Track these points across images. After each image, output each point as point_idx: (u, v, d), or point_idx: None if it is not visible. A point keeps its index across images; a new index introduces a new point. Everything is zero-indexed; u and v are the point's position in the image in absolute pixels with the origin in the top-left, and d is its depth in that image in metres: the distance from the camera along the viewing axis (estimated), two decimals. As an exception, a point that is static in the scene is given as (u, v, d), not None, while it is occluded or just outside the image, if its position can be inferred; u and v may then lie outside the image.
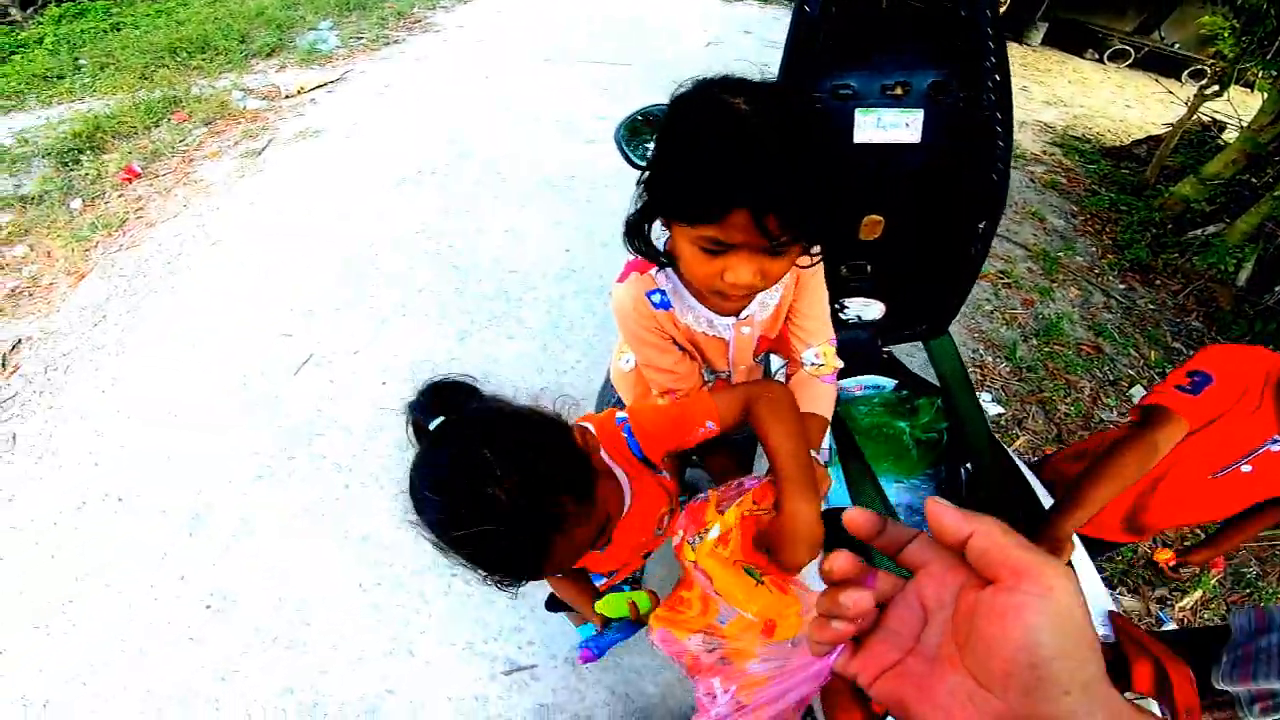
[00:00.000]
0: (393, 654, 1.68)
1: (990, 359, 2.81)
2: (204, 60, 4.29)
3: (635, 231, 0.88)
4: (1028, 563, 0.31)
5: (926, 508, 0.35)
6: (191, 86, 3.93)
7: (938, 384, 1.39)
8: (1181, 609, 2.01)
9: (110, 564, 1.83)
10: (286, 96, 3.94)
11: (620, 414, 0.99)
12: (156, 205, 3.05)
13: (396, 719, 1.58)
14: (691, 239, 0.78)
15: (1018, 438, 2.47)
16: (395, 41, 4.76)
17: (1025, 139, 4.89)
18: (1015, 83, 5.14)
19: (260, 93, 3.97)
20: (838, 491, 1.30)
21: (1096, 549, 1.39)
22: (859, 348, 1.43)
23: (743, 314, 1.04)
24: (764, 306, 1.05)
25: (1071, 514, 1.08)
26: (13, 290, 2.64)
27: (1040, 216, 3.90)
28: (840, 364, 1.13)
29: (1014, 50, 6.24)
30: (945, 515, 0.34)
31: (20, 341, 2.44)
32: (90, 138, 3.39)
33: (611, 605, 1.04)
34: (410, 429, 0.78)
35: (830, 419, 1.10)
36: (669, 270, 0.98)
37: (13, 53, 4.50)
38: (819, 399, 1.10)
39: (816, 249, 0.90)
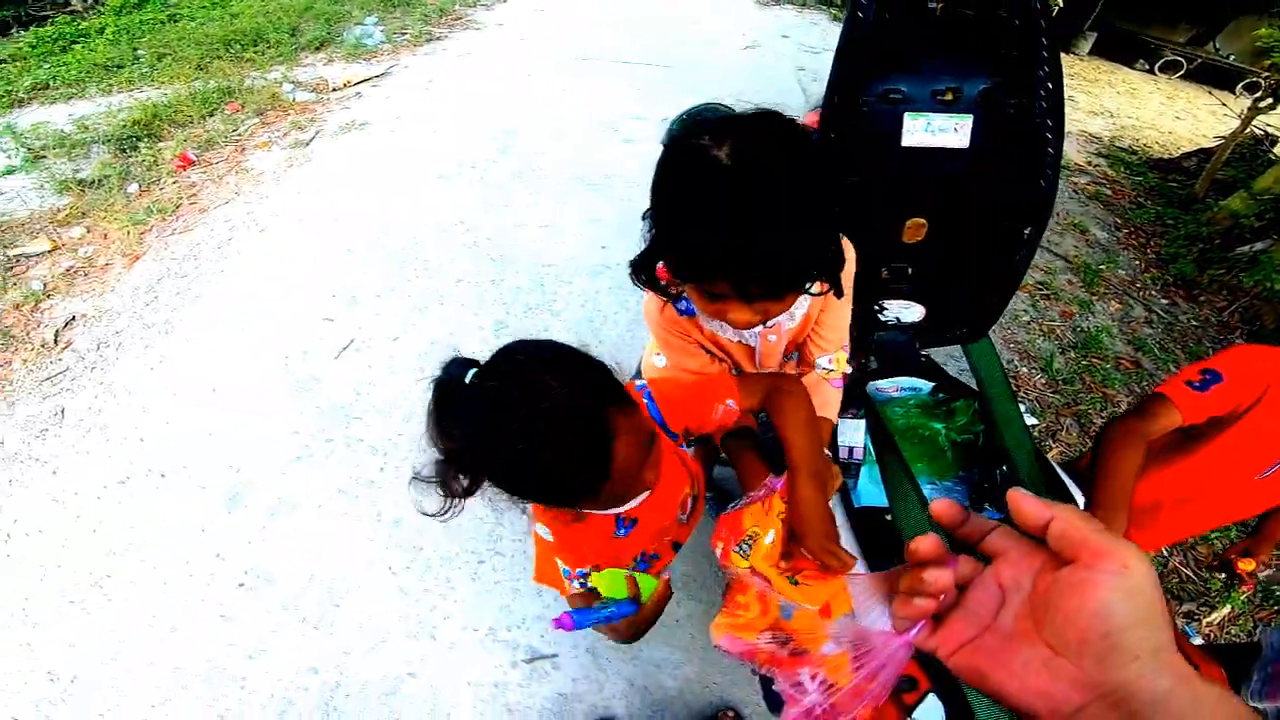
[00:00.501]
0: (416, 637, 1.72)
1: (1026, 370, 2.77)
2: (256, 53, 4.44)
3: (641, 269, 0.90)
4: (1106, 543, 0.34)
5: (1009, 497, 0.38)
6: (244, 78, 4.07)
7: (975, 388, 1.39)
8: (1209, 624, 1.97)
9: (149, 540, 1.89)
10: (333, 89, 4.05)
11: (640, 381, 1.02)
12: (209, 192, 3.17)
13: (416, 701, 1.61)
14: (693, 288, 0.81)
15: (1050, 449, 2.43)
16: (438, 38, 4.87)
17: (1070, 149, 4.79)
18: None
19: (309, 85, 4.09)
20: (872, 490, 1.31)
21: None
22: (897, 350, 1.43)
23: (770, 323, 1.04)
24: (791, 317, 1.07)
25: (1110, 519, 1.08)
26: (69, 269, 2.76)
27: (1083, 228, 3.83)
28: (849, 369, 1.16)
29: (1062, 61, 6.13)
30: (1027, 502, 0.37)
31: (74, 318, 2.56)
32: (148, 125, 3.53)
33: (608, 582, 0.96)
34: (433, 398, 0.78)
35: (834, 421, 1.14)
36: None
37: (74, 42, 4.71)
38: (827, 402, 1.14)
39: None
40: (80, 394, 2.27)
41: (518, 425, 0.67)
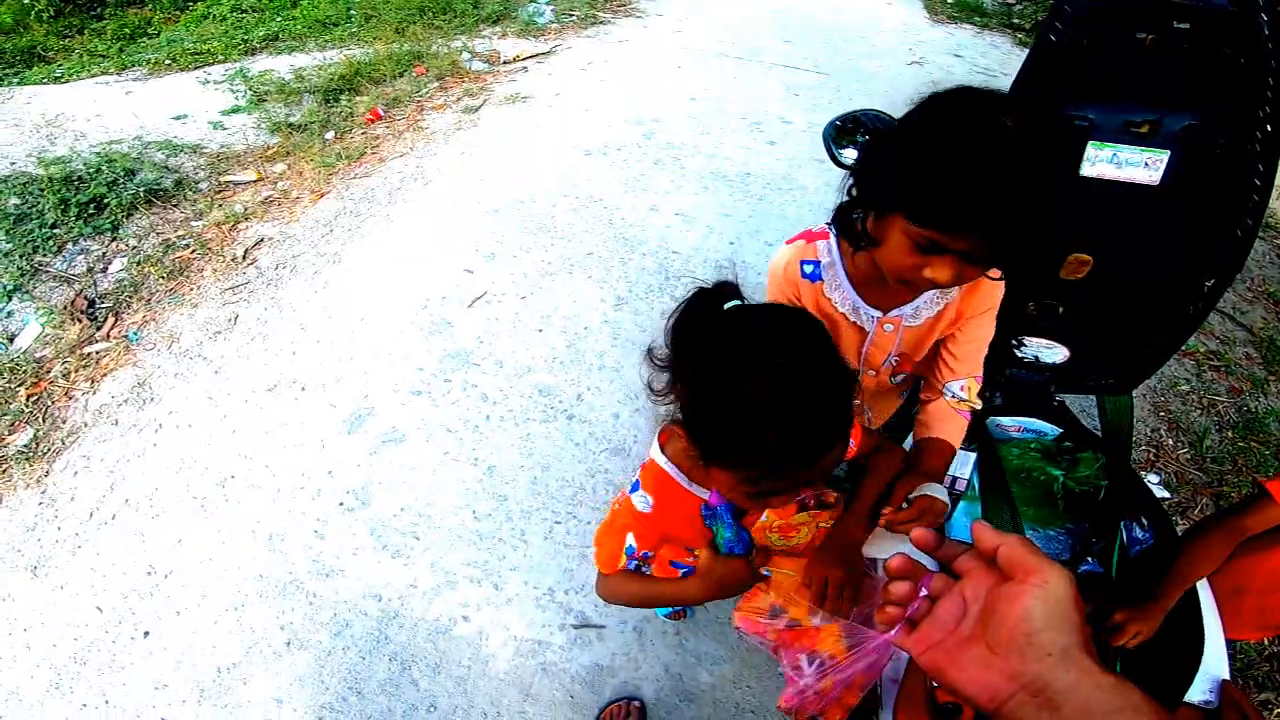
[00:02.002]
0: (479, 583, 1.81)
1: (1171, 441, 2.48)
2: (444, 21, 4.86)
3: (846, 213, 0.93)
4: (1035, 563, 0.43)
5: (972, 528, 0.47)
6: (432, 44, 4.48)
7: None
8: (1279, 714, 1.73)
9: (276, 448, 2.13)
10: (504, 62, 4.36)
11: None
12: (388, 144, 3.55)
13: (460, 644, 1.69)
14: (909, 233, 0.81)
15: (1177, 524, 2.18)
16: (602, 22, 5.06)
17: (1283, 207, 4.14)
18: None
19: (483, 56, 4.42)
20: (966, 525, 1.25)
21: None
22: (1029, 389, 1.35)
23: (892, 312, 1.04)
24: (916, 315, 1.05)
25: (1170, 592, 1.11)
26: (266, 198, 3.21)
27: (1278, 299, 3.31)
28: (979, 404, 1.12)
29: None
30: (984, 532, 0.46)
31: (262, 240, 2.97)
32: (350, 81, 3.99)
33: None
34: (681, 310, 0.82)
35: (958, 449, 1.10)
36: (833, 244, 1.03)
37: (301, -1, 5.38)
38: (952, 429, 1.10)
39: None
40: (254, 305, 2.63)
41: (798, 401, 0.69)
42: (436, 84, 4.09)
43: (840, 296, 1.06)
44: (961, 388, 1.10)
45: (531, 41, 4.69)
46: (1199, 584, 1.14)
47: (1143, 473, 2.33)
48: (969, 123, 0.76)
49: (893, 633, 0.48)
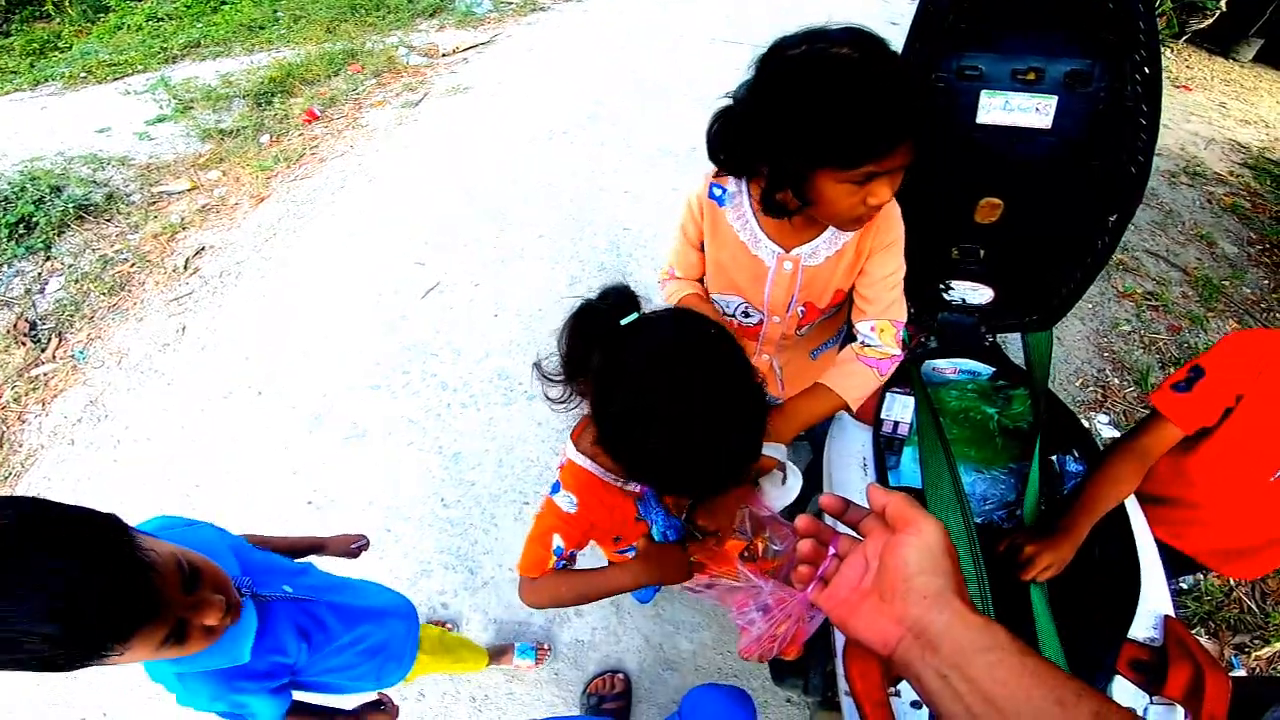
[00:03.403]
0: (454, 569, 1.83)
1: (1117, 381, 2.60)
2: (378, 17, 4.75)
3: (790, 189, 0.90)
4: (912, 515, 0.47)
5: (867, 490, 0.51)
6: (366, 41, 4.38)
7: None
8: (1258, 658, 1.84)
9: (238, 453, 2.11)
10: (443, 55, 4.29)
11: None
12: (328, 144, 3.48)
13: None
14: (843, 178, 0.84)
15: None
16: (542, 9, 5.01)
17: (1211, 157, 4.33)
18: (1212, 98, 4.58)
19: (421, 50, 4.34)
20: (914, 470, 1.31)
21: (1183, 565, 1.31)
22: (961, 331, 1.41)
23: (792, 251, 1.05)
24: (815, 254, 1.05)
25: (1079, 522, 1.07)
26: (203, 206, 3.12)
27: (1210, 240, 3.48)
28: (898, 353, 1.10)
29: (1217, 65, 5.47)
30: (874, 492, 0.50)
31: (203, 249, 2.89)
32: (281, 83, 3.88)
33: None
34: (570, 323, 0.81)
35: (847, 401, 1.07)
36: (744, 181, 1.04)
37: (223, 3, 5.19)
38: (848, 376, 1.06)
39: None
40: (201, 314, 2.58)
41: (695, 411, 0.68)
42: (374, 81, 4.00)
43: (740, 224, 1.07)
44: (872, 328, 1.08)
45: (471, 32, 4.61)
46: (1133, 517, 1.14)
47: (1091, 414, 2.44)
48: (823, 68, 0.79)
49: (809, 590, 0.52)
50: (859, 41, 0.78)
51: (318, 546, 1.26)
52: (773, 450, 0.99)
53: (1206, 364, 1.07)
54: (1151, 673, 0.96)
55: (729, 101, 0.93)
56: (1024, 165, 1.19)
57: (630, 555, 1.07)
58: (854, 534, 0.52)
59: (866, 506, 0.51)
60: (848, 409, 1.10)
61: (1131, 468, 1.09)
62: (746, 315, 1.20)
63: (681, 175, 3.23)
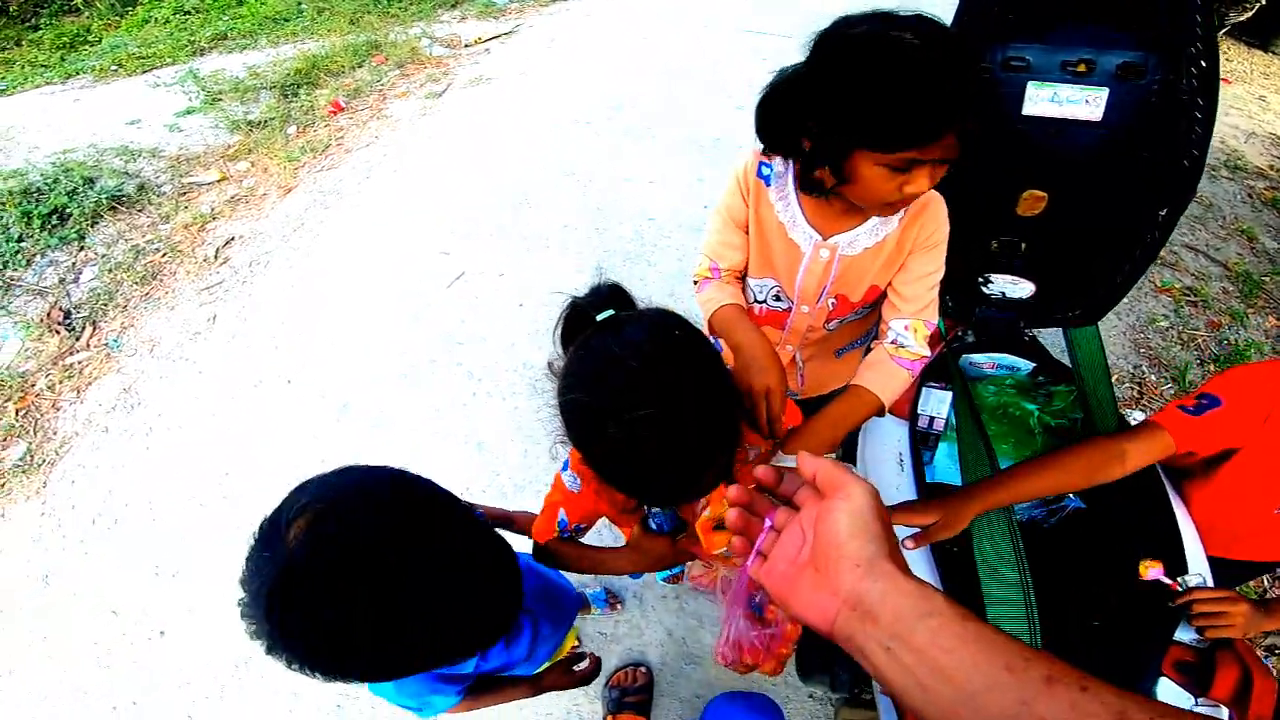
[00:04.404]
0: None
1: (1154, 377, 2.54)
2: (400, 9, 4.76)
3: (808, 174, 0.92)
4: (841, 480, 0.45)
5: (797, 457, 0.49)
6: (389, 32, 4.39)
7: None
8: None
9: (268, 441, 2.13)
10: (465, 45, 4.28)
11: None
12: (353, 135, 3.50)
13: None
14: (881, 161, 0.83)
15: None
16: (564, -1, 4.99)
17: (1251, 151, 4.20)
18: (1252, 91, 4.44)
19: (444, 41, 4.34)
20: (948, 466, 1.30)
21: (1241, 572, 1.27)
22: (1000, 326, 1.39)
23: (830, 238, 1.04)
24: (853, 243, 1.03)
25: (986, 493, 1.03)
26: (233, 197, 3.16)
27: (1251, 235, 3.38)
28: (928, 354, 1.06)
29: (1256, 59, 5.29)
30: (803, 460, 0.48)
31: (233, 239, 2.93)
32: (307, 74, 3.90)
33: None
34: (561, 323, 0.82)
35: (885, 404, 1.03)
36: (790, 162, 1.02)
37: (250, -5, 5.23)
38: (885, 377, 1.03)
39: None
40: (231, 303, 2.61)
41: (648, 417, 0.64)
42: (397, 72, 4.01)
43: (782, 205, 1.05)
44: (906, 328, 1.05)
45: (493, 22, 4.60)
46: (1183, 526, 1.11)
47: (1127, 410, 2.39)
48: (894, 40, 0.78)
49: (748, 562, 0.50)
50: (923, 28, 0.77)
51: (506, 520, 1.21)
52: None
53: (1224, 396, 1.02)
54: (1197, 674, 0.95)
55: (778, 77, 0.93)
56: (1070, 157, 1.16)
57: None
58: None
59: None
60: (881, 411, 1.06)
61: (1098, 466, 1.01)
62: (778, 300, 1.18)
63: (706, 166, 3.20)
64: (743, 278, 1.20)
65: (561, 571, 1.11)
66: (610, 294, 0.80)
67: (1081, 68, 1.07)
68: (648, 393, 0.66)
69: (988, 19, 1.07)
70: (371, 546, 0.57)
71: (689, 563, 1.04)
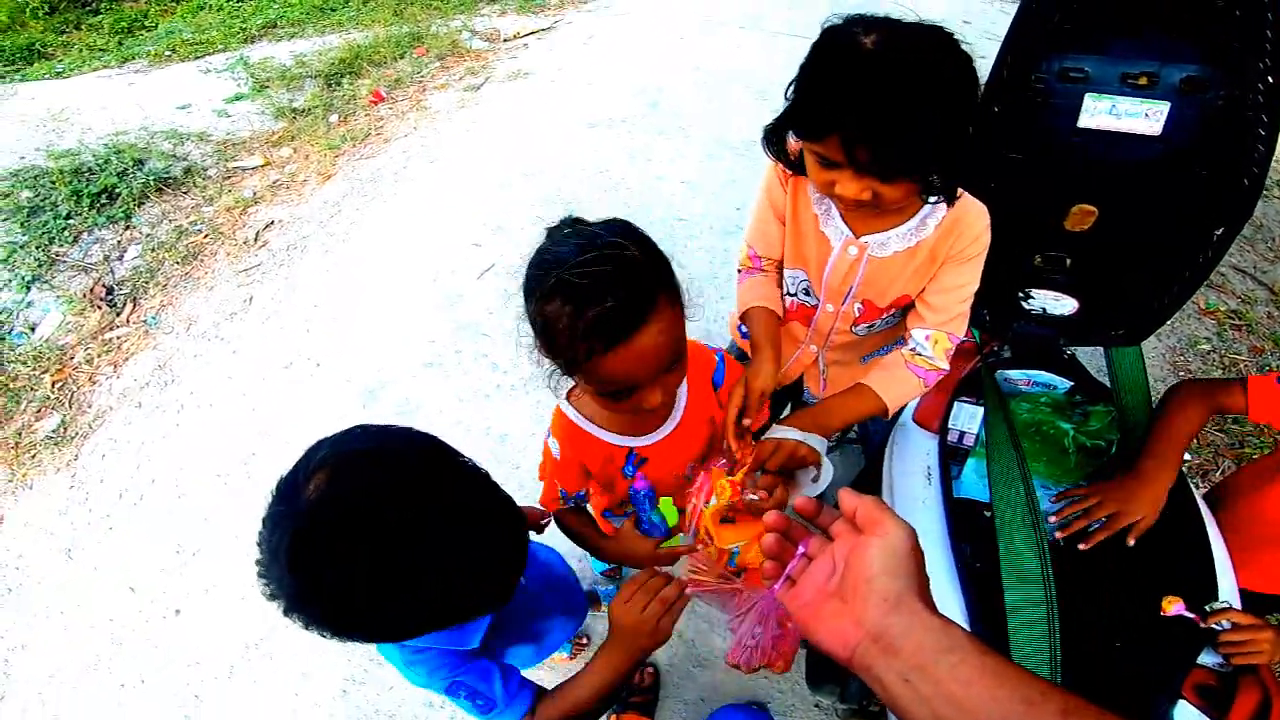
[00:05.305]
0: None
1: (1192, 402, 2.46)
2: (442, 1, 4.81)
3: (771, 137, 0.98)
4: (880, 518, 0.46)
5: (839, 493, 0.50)
6: (431, 24, 4.44)
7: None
8: None
9: (294, 423, 2.17)
10: (504, 40, 4.32)
11: (718, 349, 1.10)
12: (392, 125, 3.55)
13: None
14: (807, 149, 0.87)
15: (1198, 487, 2.17)
16: (602, -5, 5.00)
17: (1307, 165, 4.04)
18: None
19: (484, 34, 4.38)
20: (975, 482, 1.26)
21: (1271, 604, 1.24)
22: (1038, 342, 1.35)
23: (862, 237, 1.02)
24: (884, 245, 1.02)
25: (1158, 469, 1.07)
26: (274, 182, 3.23)
27: (1302, 257, 3.25)
28: (945, 367, 1.06)
29: None
30: (845, 496, 0.49)
31: (272, 223, 3.00)
32: (350, 64, 3.98)
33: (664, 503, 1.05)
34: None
35: (889, 408, 1.03)
36: None
37: (299, -16, 5.33)
38: (893, 381, 1.03)
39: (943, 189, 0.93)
40: (267, 286, 2.67)
41: (590, 257, 0.70)
42: (438, 64, 4.06)
43: (818, 197, 1.05)
44: (927, 338, 1.04)
45: (531, 18, 4.63)
46: (1210, 531, 1.10)
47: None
48: (828, 40, 0.80)
49: (776, 587, 0.51)
50: (898, 42, 0.77)
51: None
52: (814, 442, 0.96)
53: None
54: (1217, 698, 0.95)
55: None
56: (1125, 172, 1.12)
57: (616, 524, 1.12)
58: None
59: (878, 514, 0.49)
60: (884, 414, 1.06)
61: (1198, 408, 1.11)
62: (807, 294, 1.17)
63: (739, 168, 3.18)
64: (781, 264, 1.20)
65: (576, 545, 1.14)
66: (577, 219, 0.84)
67: (1143, 80, 1.03)
68: (592, 248, 0.71)
69: (1046, 28, 1.03)
70: (386, 501, 0.58)
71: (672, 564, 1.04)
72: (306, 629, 0.59)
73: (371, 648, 1.65)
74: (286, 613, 0.58)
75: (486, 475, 0.72)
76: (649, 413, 0.92)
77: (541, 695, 0.90)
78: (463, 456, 0.71)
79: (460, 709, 0.86)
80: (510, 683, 0.88)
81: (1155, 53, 1.02)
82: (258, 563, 0.60)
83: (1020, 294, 1.33)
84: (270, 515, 0.60)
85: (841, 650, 0.44)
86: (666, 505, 1.04)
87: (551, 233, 0.81)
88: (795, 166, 1.00)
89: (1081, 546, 1.06)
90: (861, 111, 0.75)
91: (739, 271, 1.21)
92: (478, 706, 0.85)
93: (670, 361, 0.81)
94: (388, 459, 0.63)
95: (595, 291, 0.70)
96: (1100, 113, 1.07)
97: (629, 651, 0.85)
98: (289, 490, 0.60)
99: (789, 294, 1.19)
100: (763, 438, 0.95)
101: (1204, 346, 2.67)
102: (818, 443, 0.97)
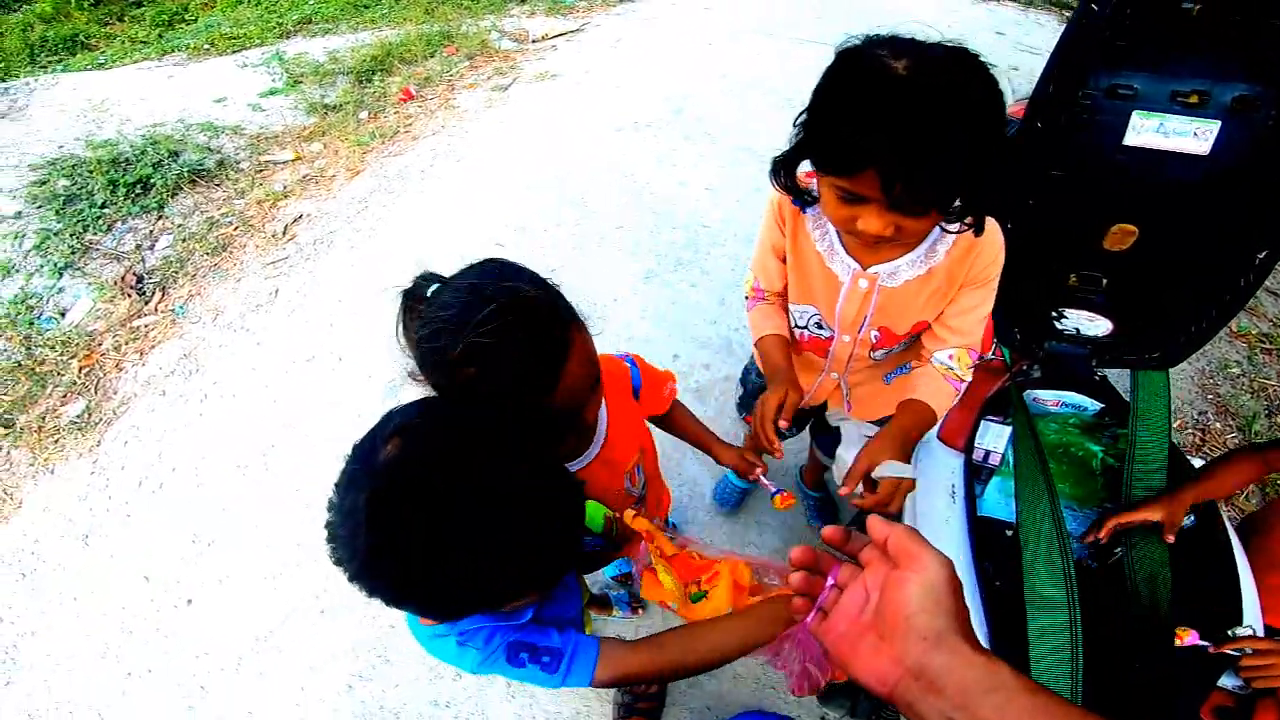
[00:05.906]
0: None
1: (1219, 425, 2.40)
2: (473, 1, 4.86)
3: (781, 168, 0.94)
4: (917, 551, 0.45)
5: (867, 521, 0.48)
6: (461, 24, 4.48)
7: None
8: None
9: (315, 416, 2.18)
10: (533, 41, 4.35)
11: (626, 355, 1.10)
12: (421, 123, 3.58)
13: None
14: (829, 184, 0.82)
15: (1232, 521, 2.11)
16: (630, 0, 5.00)
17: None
18: None
19: (512, 35, 4.42)
20: (999, 501, 1.24)
21: None
22: (1069, 363, 1.33)
23: (870, 268, 1.01)
24: (894, 275, 1.00)
25: (1186, 491, 1.12)
26: (304, 177, 3.27)
27: (1338, 282, 3.16)
28: (969, 377, 1.05)
29: None
30: (875, 523, 0.48)
31: (301, 217, 3.03)
32: (382, 61, 4.02)
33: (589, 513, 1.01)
34: (400, 307, 0.82)
35: (938, 417, 1.02)
36: None
37: (334, -19, 5.41)
38: (934, 392, 1.02)
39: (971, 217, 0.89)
40: (294, 279, 2.70)
41: (490, 312, 0.66)
42: (467, 63, 4.10)
43: (820, 234, 1.03)
44: (950, 356, 1.04)
45: (560, 20, 4.66)
46: (1239, 561, 1.09)
47: (1188, 457, 2.27)
48: (854, 66, 0.75)
49: (809, 619, 0.50)
50: (927, 64, 0.71)
51: None
52: (907, 471, 0.93)
53: None
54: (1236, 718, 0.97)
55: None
56: (1168, 192, 1.10)
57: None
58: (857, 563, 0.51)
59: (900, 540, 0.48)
60: (935, 423, 1.04)
61: (1249, 467, 1.15)
62: (820, 327, 1.16)
63: (763, 175, 3.10)
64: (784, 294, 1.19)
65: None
66: (431, 277, 0.81)
67: (1194, 99, 1.01)
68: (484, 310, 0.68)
69: (1097, 43, 1.01)
70: (459, 467, 0.59)
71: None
72: (371, 596, 0.60)
73: (376, 645, 1.68)
74: (352, 579, 0.59)
75: (555, 458, 0.71)
76: (576, 437, 0.93)
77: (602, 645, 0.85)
78: (530, 439, 0.70)
79: (524, 682, 0.82)
80: (567, 631, 0.83)
81: (1207, 71, 1.00)
82: (327, 525, 0.61)
83: (1053, 313, 1.31)
84: (345, 475, 0.61)
85: (881, 687, 0.43)
86: (594, 509, 1.02)
87: (421, 299, 0.77)
88: (803, 199, 0.98)
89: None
90: (902, 146, 0.70)
91: (746, 299, 1.22)
92: (544, 666, 0.80)
93: (591, 385, 0.80)
94: (465, 427, 0.64)
95: (509, 349, 0.68)
96: (1148, 131, 1.05)
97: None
98: (366, 452, 0.61)
99: (798, 327, 1.18)
100: (874, 475, 0.90)
101: (1234, 370, 2.61)
102: (906, 470, 0.95)
